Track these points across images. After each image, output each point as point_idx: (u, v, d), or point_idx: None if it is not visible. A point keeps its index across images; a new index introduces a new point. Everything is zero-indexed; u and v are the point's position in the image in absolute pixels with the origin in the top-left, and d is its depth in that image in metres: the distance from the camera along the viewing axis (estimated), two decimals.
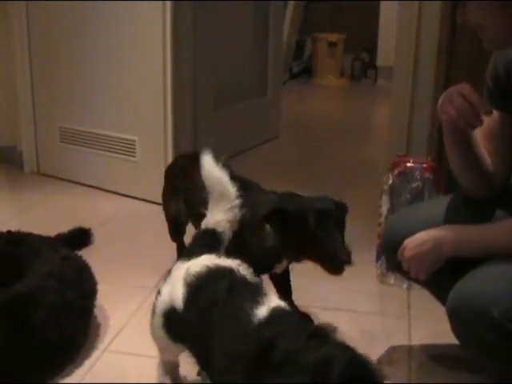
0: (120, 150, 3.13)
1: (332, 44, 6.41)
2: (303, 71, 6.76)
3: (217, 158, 1.66)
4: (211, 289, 1.43)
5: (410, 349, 1.97)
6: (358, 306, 2.20)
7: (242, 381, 1.25)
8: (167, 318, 1.54)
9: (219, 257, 1.54)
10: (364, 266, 2.48)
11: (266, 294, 1.37)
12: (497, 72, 1.58)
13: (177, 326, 1.52)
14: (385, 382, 1.20)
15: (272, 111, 4.36)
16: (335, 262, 1.77)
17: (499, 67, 1.57)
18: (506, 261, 1.41)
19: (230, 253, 1.69)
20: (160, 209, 3.01)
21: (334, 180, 3.68)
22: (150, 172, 3.06)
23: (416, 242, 1.55)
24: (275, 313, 1.30)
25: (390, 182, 2.27)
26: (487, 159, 1.62)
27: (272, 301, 1.35)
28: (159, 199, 3.00)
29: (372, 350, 1.93)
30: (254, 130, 4.15)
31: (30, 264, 1.96)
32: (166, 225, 2.39)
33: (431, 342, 2.00)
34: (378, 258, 2.42)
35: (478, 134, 1.59)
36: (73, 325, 1.84)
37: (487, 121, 1.55)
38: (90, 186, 3.31)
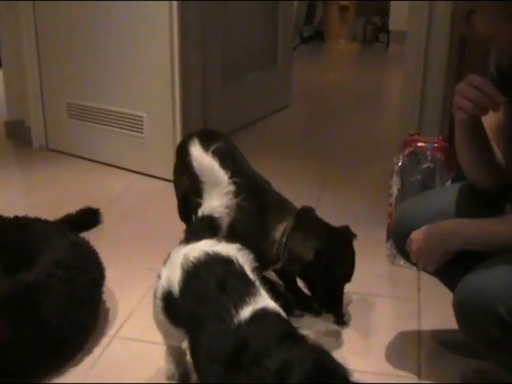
0: (128, 126, 3.10)
1: (343, 8, 6.30)
2: (314, 35, 6.66)
3: (206, 146, 1.67)
4: (204, 280, 1.43)
5: (419, 335, 1.96)
6: (367, 287, 2.18)
7: (217, 381, 1.28)
8: (166, 303, 1.55)
9: (220, 242, 1.54)
10: (374, 246, 2.47)
11: (255, 294, 1.37)
12: (500, 64, 1.54)
13: (175, 310, 1.52)
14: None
15: (283, 80, 4.30)
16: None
17: (504, 63, 1.53)
18: None
19: (228, 239, 1.70)
20: (169, 185, 3.01)
21: (345, 154, 3.65)
22: (158, 148, 3.04)
23: (424, 234, 1.54)
24: (257, 315, 1.31)
25: (401, 162, 2.23)
26: (498, 153, 1.58)
27: (260, 301, 1.35)
28: (168, 175, 2.99)
29: (381, 335, 1.97)
30: (264, 100, 4.10)
31: (38, 251, 1.95)
32: (175, 203, 2.37)
33: (441, 327, 1.99)
34: (388, 239, 2.39)
35: (487, 128, 1.55)
36: (81, 313, 1.84)
37: (495, 115, 1.51)
38: (98, 162, 3.29)
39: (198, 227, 1.65)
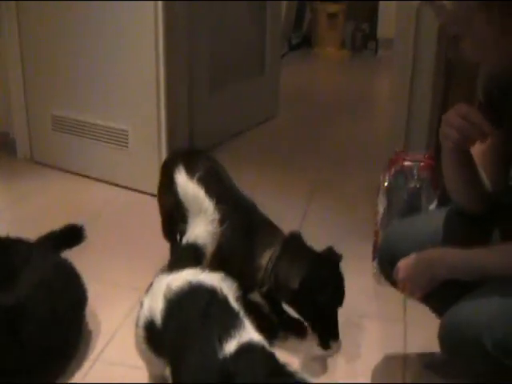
0: (112, 139, 3.07)
1: (332, 15, 6.28)
2: (302, 42, 6.64)
3: (191, 170, 1.67)
4: (187, 311, 1.42)
5: (404, 358, 1.95)
6: (353, 308, 2.13)
7: None
8: (148, 332, 1.52)
9: (203, 270, 1.52)
10: (361, 262, 2.46)
11: (240, 326, 1.34)
12: (489, 90, 1.53)
13: (156, 340, 1.50)
14: None
15: (270, 89, 4.27)
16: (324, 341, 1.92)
17: (492, 86, 1.52)
18: (501, 287, 1.37)
19: (212, 267, 1.68)
20: (153, 200, 2.98)
21: (332, 164, 3.64)
22: (143, 162, 3.01)
23: (410, 263, 1.53)
24: (243, 349, 1.28)
25: (387, 182, 2.22)
26: (484, 177, 1.57)
27: (244, 334, 1.32)
28: (153, 190, 2.96)
29: (367, 359, 1.95)
30: (251, 110, 4.08)
31: (19, 272, 1.91)
32: (159, 218, 2.35)
33: (426, 348, 1.97)
34: (374, 257, 2.38)
35: (474, 151, 1.54)
36: (63, 336, 1.82)
37: None
38: (83, 176, 3.25)
39: (181, 255, 1.63)
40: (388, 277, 1.71)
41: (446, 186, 1.65)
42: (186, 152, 2.31)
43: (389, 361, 1.94)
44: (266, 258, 1.90)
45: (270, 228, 1.99)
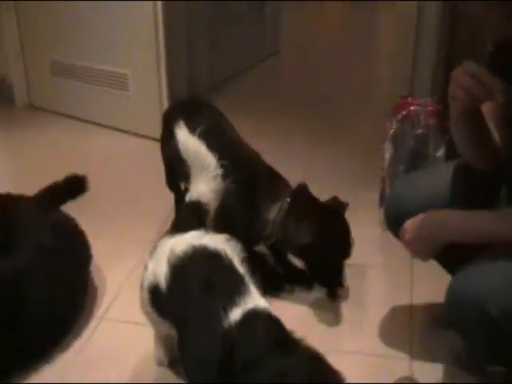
0: (112, 83, 3.01)
1: None
2: None
3: (192, 127, 1.61)
4: (192, 277, 1.39)
5: (411, 309, 1.94)
6: (359, 257, 2.08)
7: None
8: (153, 296, 1.51)
9: (207, 233, 1.49)
10: (367, 210, 2.43)
11: (245, 292, 1.32)
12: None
13: (161, 303, 1.49)
14: None
15: (271, 26, 4.15)
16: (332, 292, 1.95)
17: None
18: (505, 253, 1.34)
19: (217, 223, 1.67)
20: (156, 145, 2.93)
21: (336, 107, 3.56)
22: (143, 106, 2.95)
23: (416, 225, 1.50)
24: (247, 317, 1.26)
25: (393, 129, 2.16)
26: (494, 133, 1.51)
27: (250, 301, 1.30)
28: (153, 134, 2.94)
29: (373, 311, 1.94)
30: (252, 48, 3.97)
31: (19, 235, 1.88)
32: (161, 164, 2.30)
33: (433, 299, 1.95)
34: (380, 204, 2.35)
35: (484, 107, 1.47)
36: (68, 299, 1.81)
37: None
38: (83, 121, 3.20)
39: (185, 214, 1.60)
40: (395, 233, 1.68)
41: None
42: (187, 103, 2.25)
43: (395, 312, 1.93)
44: (273, 212, 1.87)
45: (276, 180, 1.95)
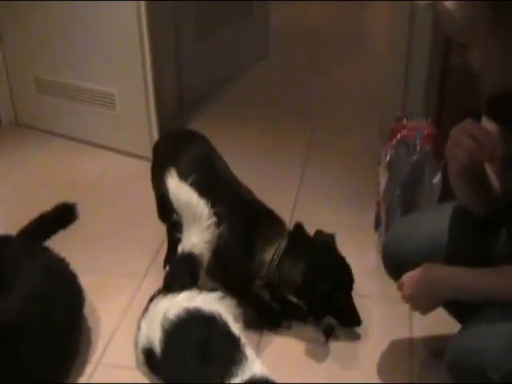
0: (99, 102, 2.94)
1: None
2: None
3: (184, 176, 1.57)
4: (187, 344, 1.36)
5: (410, 343, 1.91)
6: (356, 286, 2.09)
7: None
8: (148, 358, 1.47)
9: (200, 292, 1.46)
10: (363, 232, 2.40)
11: (242, 360, 1.30)
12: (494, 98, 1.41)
13: (157, 366, 1.45)
14: None
15: (259, 29, 4.07)
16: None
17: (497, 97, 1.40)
18: (506, 313, 1.31)
19: (211, 267, 1.65)
20: (146, 165, 2.88)
21: (328, 111, 3.51)
22: (132, 125, 2.91)
23: (414, 279, 1.47)
24: None
25: (388, 155, 2.12)
26: (494, 182, 1.47)
27: (247, 370, 1.28)
28: (143, 153, 2.89)
29: (371, 344, 1.90)
30: (241, 52, 3.91)
31: (10, 280, 1.83)
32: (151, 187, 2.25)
33: (433, 331, 1.94)
34: (376, 227, 2.32)
35: None
36: (61, 347, 1.77)
37: None
38: (71, 139, 3.14)
39: (177, 269, 1.56)
40: (393, 278, 1.65)
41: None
42: (177, 139, 2.18)
43: (394, 346, 1.90)
44: (269, 254, 1.84)
45: (271, 220, 1.92)
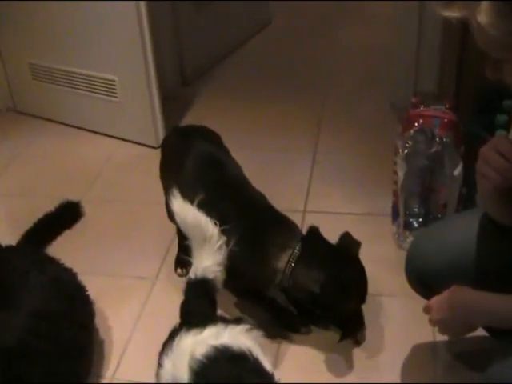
0: (99, 89, 2.82)
1: None
2: None
3: (190, 197, 1.48)
4: None
5: (434, 347, 1.85)
6: (374, 284, 1.92)
7: None
8: None
9: (225, 326, 1.36)
10: (379, 222, 2.31)
11: None
12: None
13: None
14: None
15: None
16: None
17: None
18: None
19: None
20: (150, 152, 2.81)
21: (338, 83, 3.38)
22: (134, 113, 2.79)
23: (443, 305, 1.38)
24: None
25: (406, 147, 2.01)
26: None
27: None
28: (147, 141, 2.80)
29: (392, 349, 1.83)
30: (242, 23, 3.75)
31: (16, 293, 1.77)
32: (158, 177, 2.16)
33: None
34: (393, 219, 2.23)
35: None
36: (73, 366, 1.71)
37: None
38: (72, 126, 3.03)
39: (194, 296, 1.48)
40: (418, 291, 1.58)
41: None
42: (186, 136, 2.07)
43: (417, 352, 1.83)
44: (283, 261, 1.75)
45: (284, 226, 1.82)
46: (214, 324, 1.35)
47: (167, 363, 1.37)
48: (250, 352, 1.30)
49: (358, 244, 1.82)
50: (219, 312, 1.55)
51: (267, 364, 1.31)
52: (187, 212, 1.46)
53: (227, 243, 1.57)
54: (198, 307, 1.46)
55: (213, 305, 1.49)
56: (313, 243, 1.77)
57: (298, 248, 1.75)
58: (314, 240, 1.78)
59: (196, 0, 3.30)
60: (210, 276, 1.48)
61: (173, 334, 1.39)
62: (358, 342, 1.85)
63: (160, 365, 1.40)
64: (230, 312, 1.87)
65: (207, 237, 1.46)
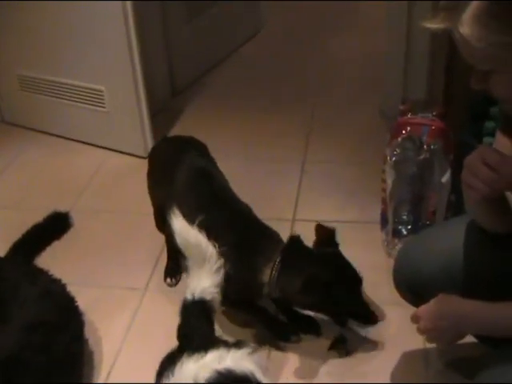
0: (87, 100, 2.81)
1: None
2: None
3: (190, 218, 1.48)
4: None
5: (426, 355, 1.84)
6: (365, 290, 1.93)
7: None
8: None
9: (228, 350, 1.34)
10: (368, 229, 2.32)
11: None
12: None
13: None
14: None
15: (250, 4, 3.90)
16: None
17: None
18: None
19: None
20: (140, 162, 2.79)
21: (328, 90, 3.39)
22: (123, 123, 2.78)
23: (432, 314, 1.39)
24: None
25: (395, 155, 2.02)
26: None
27: None
28: (135, 151, 2.79)
29: (384, 358, 1.82)
30: (232, 31, 3.75)
31: (6, 306, 1.76)
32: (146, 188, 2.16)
33: None
34: (382, 227, 2.23)
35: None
36: (64, 377, 1.69)
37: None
38: (60, 137, 3.02)
39: (192, 317, 1.47)
40: (406, 299, 1.58)
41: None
42: (173, 147, 2.08)
43: (409, 359, 1.84)
44: (267, 274, 1.76)
45: (268, 239, 1.83)
46: (215, 347, 1.35)
47: None
48: (253, 375, 1.30)
49: (332, 232, 1.82)
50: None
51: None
52: (188, 232, 1.46)
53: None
54: (196, 329, 1.45)
55: (211, 326, 1.49)
56: (292, 251, 1.78)
57: (278, 259, 1.75)
58: (294, 248, 1.79)
59: (186, 8, 3.30)
60: (208, 297, 1.48)
61: (172, 357, 1.38)
62: (348, 352, 1.85)
63: None
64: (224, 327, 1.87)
65: (206, 257, 1.47)
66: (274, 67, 3.69)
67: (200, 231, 1.46)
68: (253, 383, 1.28)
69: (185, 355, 1.34)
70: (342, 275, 1.77)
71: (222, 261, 1.48)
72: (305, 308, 1.85)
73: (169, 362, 1.37)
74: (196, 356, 1.32)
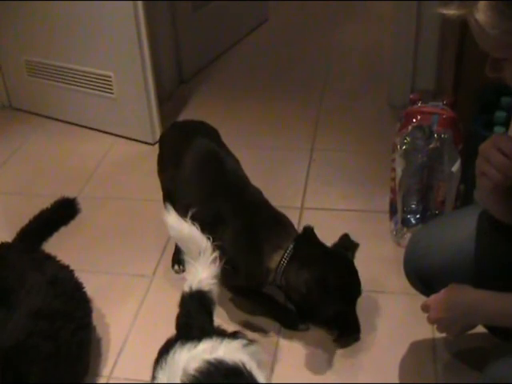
0: (95, 86, 2.80)
1: None
2: None
3: (183, 211, 1.49)
4: None
5: (433, 345, 1.84)
6: (371, 281, 1.94)
7: None
8: None
9: (221, 341, 1.33)
10: (377, 219, 2.31)
11: None
12: None
13: None
14: None
15: None
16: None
17: None
18: None
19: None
20: (147, 149, 2.79)
21: (335, 80, 3.37)
22: (131, 109, 2.77)
23: (442, 304, 1.38)
24: None
25: (404, 144, 2.00)
26: None
27: None
28: (143, 138, 2.78)
29: (391, 347, 1.82)
30: (239, 20, 3.73)
31: (14, 292, 1.76)
32: (155, 174, 2.14)
33: None
34: (391, 216, 2.22)
35: None
36: (71, 365, 1.69)
37: None
38: (69, 123, 3.01)
39: (190, 309, 1.46)
40: (416, 287, 1.57)
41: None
42: (184, 132, 2.06)
43: (416, 350, 1.83)
44: (275, 261, 1.75)
45: (279, 225, 1.81)
46: (209, 338, 1.34)
47: (161, 376, 1.35)
48: (244, 366, 1.28)
49: (355, 246, 1.82)
50: (220, 321, 1.54)
51: (262, 379, 1.29)
52: (181, 226, 1.46)
53: (224, 238, 1.59)
54: (194, 320, 1.43)
55: (209, 317, 1.47)
56: (306, 243, 1.76)
57: (290, 248, 1.74)
58: (308, 240, 1.77)
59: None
60: (206, 288, 1.48)
61: (168, 346, 1.37)
62: (355, 341, 1.85)
63: (154, 377, 1.38)
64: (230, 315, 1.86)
65: (201, 250, 1.47)
66: (281, 56, 3.67)
67: (194, 224, 1.45)
68: (244, 374, 1.26)
69: (178, 344, 1.34)
70: (344, 290, 1.75)
71: (217, 252, 1.47)
72: (298, 304, 1.80)
73: (165, 351, 1.37)
74: (189, 346, 1.32)
